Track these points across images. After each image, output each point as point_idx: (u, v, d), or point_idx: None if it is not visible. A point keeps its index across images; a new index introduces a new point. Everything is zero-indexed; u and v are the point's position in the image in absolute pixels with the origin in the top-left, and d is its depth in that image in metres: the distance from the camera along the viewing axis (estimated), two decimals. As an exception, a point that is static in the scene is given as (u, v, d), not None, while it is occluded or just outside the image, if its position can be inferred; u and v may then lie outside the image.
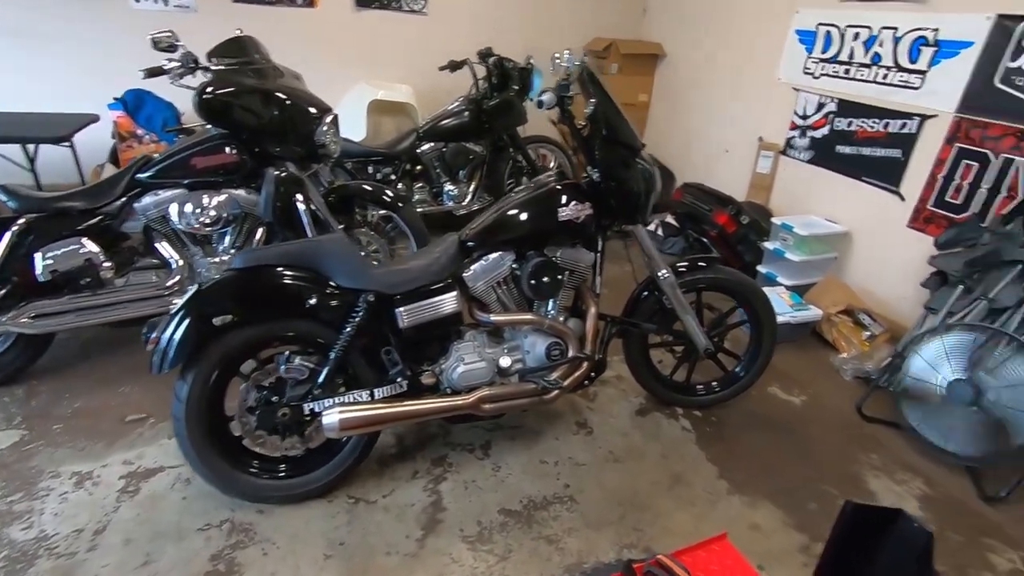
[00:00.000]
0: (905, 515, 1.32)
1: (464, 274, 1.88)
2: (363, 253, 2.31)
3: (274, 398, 1.75)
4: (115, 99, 3.59)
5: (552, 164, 4.44)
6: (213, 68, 2.23)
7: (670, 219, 4.03)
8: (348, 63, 4.32)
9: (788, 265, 3.33)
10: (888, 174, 3.13)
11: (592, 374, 2.07)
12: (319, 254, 1.73)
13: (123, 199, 2.26)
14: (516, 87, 4.06)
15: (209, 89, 2.18)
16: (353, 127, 4.00)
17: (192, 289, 1.65)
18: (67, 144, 3.10)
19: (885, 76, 3.09)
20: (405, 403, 1.79)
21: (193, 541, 1.70)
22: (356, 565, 1.67)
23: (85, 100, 3.50)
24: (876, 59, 3.12)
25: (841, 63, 3.31)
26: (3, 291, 2.08)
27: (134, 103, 3.63)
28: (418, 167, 3.80)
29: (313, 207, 2.46)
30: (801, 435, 2.35)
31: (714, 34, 4.25)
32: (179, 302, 1.63)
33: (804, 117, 3.59)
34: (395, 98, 4.10)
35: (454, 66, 4.01)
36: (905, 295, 3.05)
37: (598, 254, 2.05)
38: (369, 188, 2.81)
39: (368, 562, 1.68)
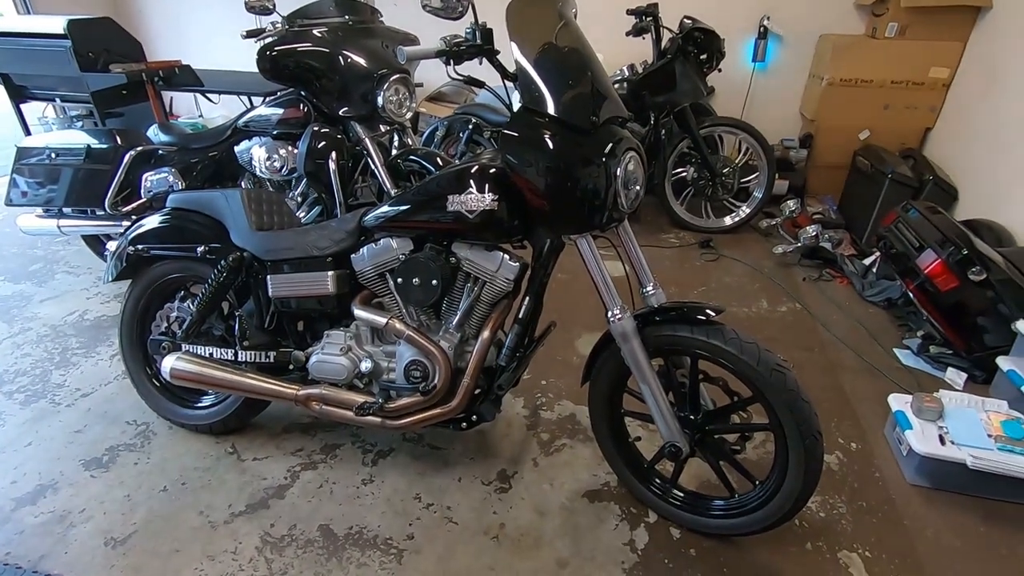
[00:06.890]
0: None
1: (352, 255, 1.64)
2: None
3: (178, 331, 1.89)
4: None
5: (738, 154, 3.45)
6: (285, 28, 2.42)
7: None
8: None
9: (1047, 371, 1.88)
10: None
11: (465, 420, 1.59)
12: (220, 206, 1.75)
13: (227, 143, 2.70)
14: (703, 56, 3.32)
15: (269, 48, 2.37)
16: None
17: (134, 218, 1.88)
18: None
19: None
20: (235, 373, 1.70)
21: (111, 429, 2.00)
22: (167, 506, 1.70)
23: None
24: None
25: None
26: (130, 204, 2.67)
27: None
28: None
29: (374, 168, 2.50)
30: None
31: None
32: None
33: None
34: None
35: (638, 30, 3.46)
36: None
37: (541, 267, 1.52)
38: (434, 156, 2.68)
39: (178, 509, 1.69)
